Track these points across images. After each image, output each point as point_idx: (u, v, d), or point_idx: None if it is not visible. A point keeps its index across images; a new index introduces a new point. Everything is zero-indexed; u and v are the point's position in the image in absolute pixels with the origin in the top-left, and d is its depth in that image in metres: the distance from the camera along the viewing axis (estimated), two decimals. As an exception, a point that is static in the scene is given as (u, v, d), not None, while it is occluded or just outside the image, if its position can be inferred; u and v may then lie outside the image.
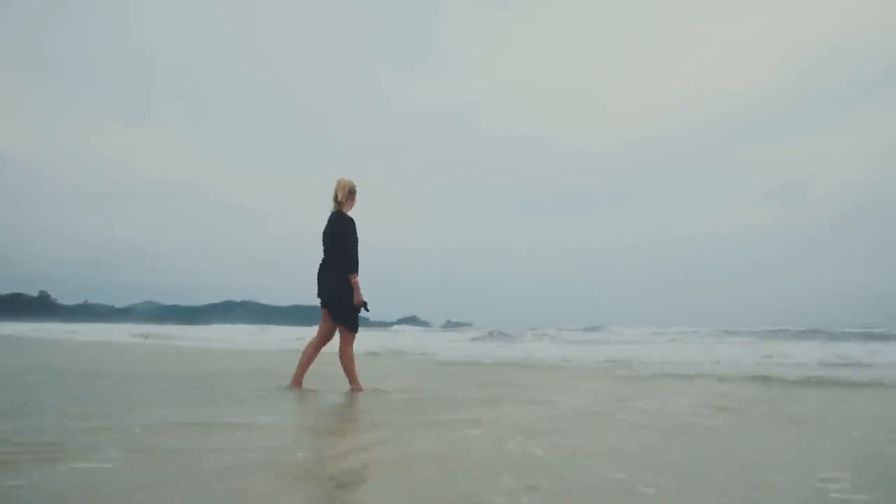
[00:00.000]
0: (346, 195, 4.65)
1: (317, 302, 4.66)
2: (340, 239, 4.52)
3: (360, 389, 4.48)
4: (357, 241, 4.57)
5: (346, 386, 4.50)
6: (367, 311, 4.54)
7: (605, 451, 2.38)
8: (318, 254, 4.67)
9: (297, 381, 4.52)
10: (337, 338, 4.60)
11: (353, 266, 4.49)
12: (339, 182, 4.66)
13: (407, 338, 16.66)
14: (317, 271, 4.66)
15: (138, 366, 6.93)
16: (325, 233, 4.64)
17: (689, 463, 2.18)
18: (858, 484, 1.88)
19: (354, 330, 4.56)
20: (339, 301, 4.52)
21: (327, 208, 4.64)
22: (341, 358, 4.53)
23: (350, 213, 4.64)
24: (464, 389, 4.87)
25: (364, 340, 10.32)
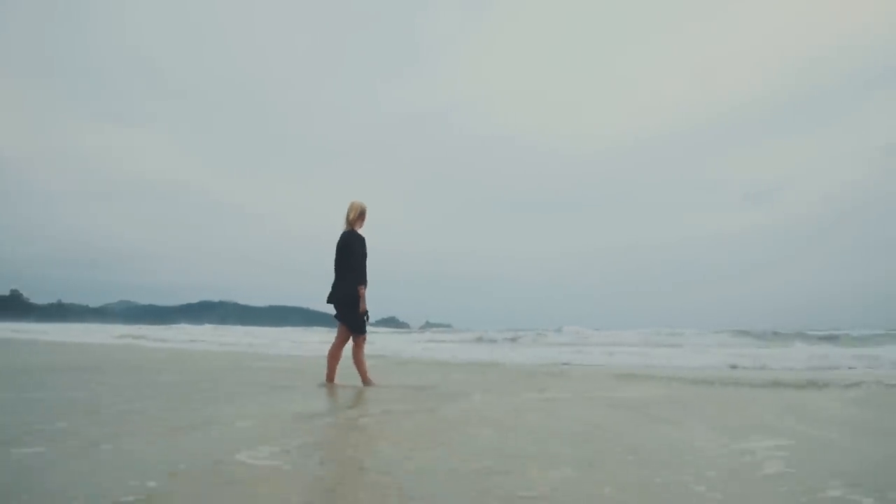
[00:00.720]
0: (357, 216, 5.41)
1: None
2: (350, 254, 5.30)
3: (370, 384, 5.38)
4: (365, 257, 5.35)
5: (359, 381, 5.57)
6: (367, 319, 5.31)
7: (553, 418, 3.54)
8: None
9: (331, 377, 5.48)
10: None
11: (361, 278, 5.28)
12: (350, 204, 5.43)
13: (386, 340, 17.51)
14: (332, 283, 5.43)
15: (198, 365, 7.95)
16: (337, 248, 5.41)
17: (608, 426, 3.35)
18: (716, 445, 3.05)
19: (360, 333, 5.38)
20: (345, 308, 5.35)
21: (340, 226, 5.39)
22: (354, 357, 5.43)
23: (360, 232, 5.42)
24: (455, 385, 5.98)
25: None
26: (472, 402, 4.28)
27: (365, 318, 5.30)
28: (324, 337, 18.99)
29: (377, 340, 15.52)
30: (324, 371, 5.58)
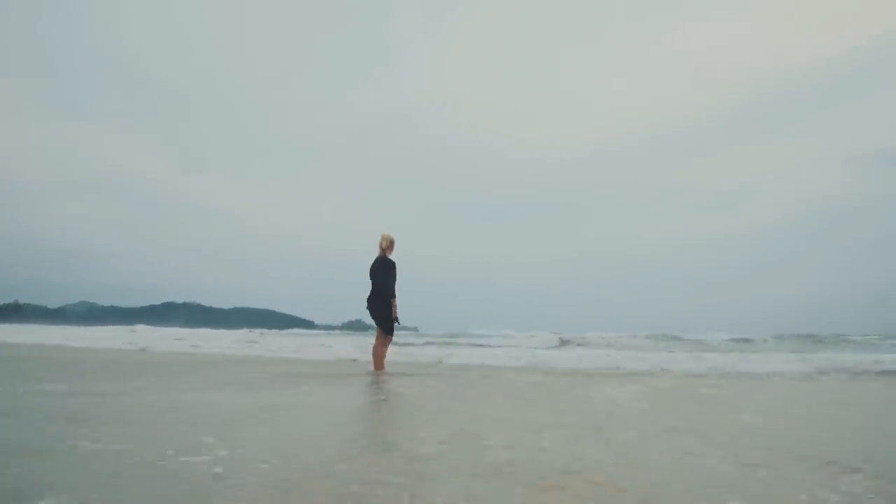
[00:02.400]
0: (388, 245, 7.16)
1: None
2: (384, 274, 7.02)
3: (379, 370, 7.03)
4: (396, 277, 7.06)
5: (388, 370, 7.23)
6: (399, 323, 7.06)
7: (500, 395, 7.01)
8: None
9: (378, 367, 7.13)
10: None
11: (391, 293, 7.06)
12: (382, 236, 7.21)
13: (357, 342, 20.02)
14: (367, 296, 7.15)
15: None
16: (372, 270, 7.12)
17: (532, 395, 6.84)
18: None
19: (390, 334, 7.13)
20: (380, 314, 7.04)
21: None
22: (375, 348, 7.12)
23: (392, 257, 7.15)
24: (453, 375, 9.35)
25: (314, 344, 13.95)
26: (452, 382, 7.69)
27: (396, 322, 7.08)
28: (309, 338, 21.58)
29: (352, 343, 18.01)
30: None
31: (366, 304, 7.21)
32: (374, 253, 7.42)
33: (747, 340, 20.54)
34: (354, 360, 10.09)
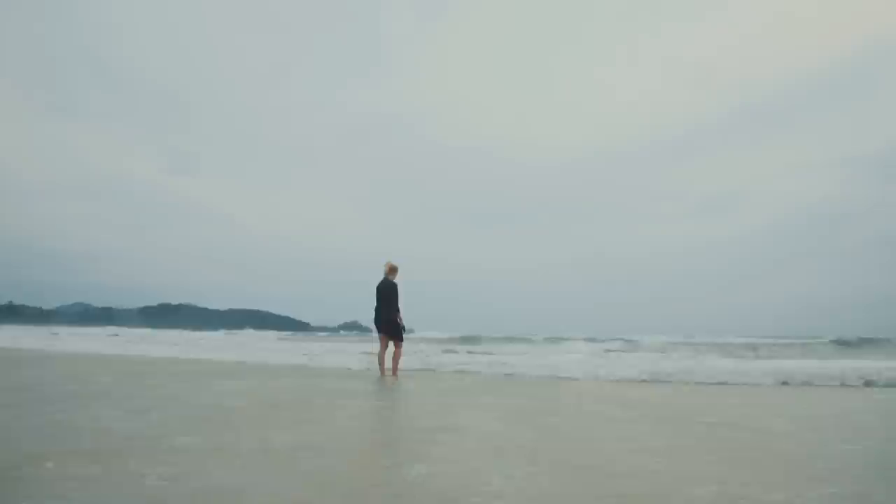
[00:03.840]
0: (390, 271, 8.50)
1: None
2: (390, 295, 8.36)
3: (390, 374, 8.36)
4: (399, 295, 8.39)
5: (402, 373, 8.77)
6: (405, 330, 8.35)
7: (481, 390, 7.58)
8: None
9: (383, 371, 8.41)
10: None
11: (396, 308, 8.37)
12: (387, 263, 8.53)
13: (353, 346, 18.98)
14: (374, 311, 8.42)
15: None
16: (379, 290, 8.43)
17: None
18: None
19: (401, 339, 8.45)
20: (390, 327, 8.33)
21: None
22: (394, 356, 8.41)
23: (396, 280, 8.46)
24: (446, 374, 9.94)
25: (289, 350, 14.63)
26: (450, 382, 8.25)
27: (403, 330, 8.40)
28: (297, 343, 21.96)
29: (347, 347, 18.07)
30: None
31: (374, 319, 8.44)
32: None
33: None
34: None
